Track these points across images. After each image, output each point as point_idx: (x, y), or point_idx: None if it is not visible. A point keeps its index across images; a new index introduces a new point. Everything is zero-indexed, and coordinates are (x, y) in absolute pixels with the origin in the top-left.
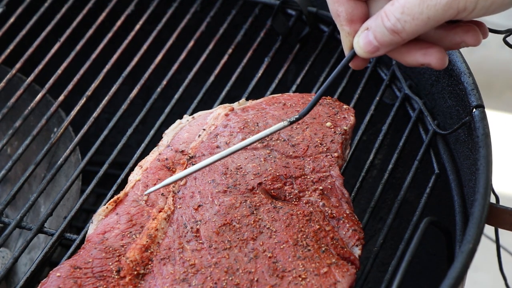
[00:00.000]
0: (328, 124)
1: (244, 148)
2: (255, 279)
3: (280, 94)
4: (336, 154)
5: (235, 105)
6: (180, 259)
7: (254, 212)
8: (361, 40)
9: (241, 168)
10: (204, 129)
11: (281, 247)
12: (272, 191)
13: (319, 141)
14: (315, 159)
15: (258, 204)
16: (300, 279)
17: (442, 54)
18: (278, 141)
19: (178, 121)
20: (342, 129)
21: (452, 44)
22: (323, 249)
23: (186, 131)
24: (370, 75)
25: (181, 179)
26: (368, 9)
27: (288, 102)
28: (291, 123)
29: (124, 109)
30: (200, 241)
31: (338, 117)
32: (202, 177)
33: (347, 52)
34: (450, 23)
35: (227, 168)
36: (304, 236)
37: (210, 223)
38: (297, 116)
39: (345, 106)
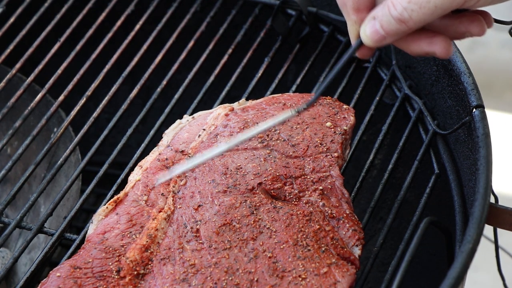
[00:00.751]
0: (328, 124)
1: (254, 136)
2: (255, 279)
3: (280, 94)
4: (336, 154)
5: (235, 105)
6: (180, 259)
7: (254, 212)
8: (368, 29)
9: (241, 168)
10: (204, 129)
11: (281, 247)
12: (272, 191)
13: (319, 141)
14: (315, 159)
15: (258, 204)
16: (300, 279)
17: (447, 43)
18: (278, 141)
19: (178, 121)
20: (342, 129)
21: (457, 34)
22: (323, 249)
23: (186, 131)
24: (370, 75)
25: (191, 170)
26: None
27: (288, 102)
28: (299, 112)
29: (124, 109)
30: (200, 241)
31: (338, 117)
32: (202, 177)
33: (353, 41)
34: (456, 12)
35: (227, 168)
36: (304, 236)
37: (210, 223)
38: (304, 106)
39: (345, 106)
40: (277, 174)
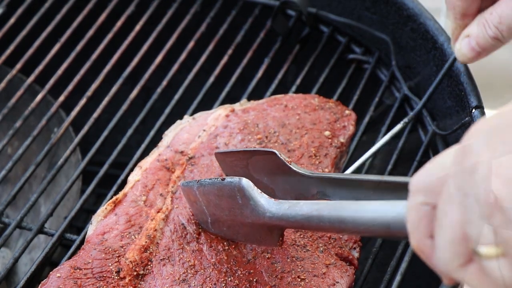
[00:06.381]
0: (327, 133)
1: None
2: (254, 280)
3: (282, 95)
4: (327, 170)
5: (236, 106)
6: (180, 260)
7: None
8: (464, 47)
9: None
10: (204, 130)
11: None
12: None
13: (314, 152)
14: (306, 167)
15: None
16: (299, 279)
17: None
18: (276, 144)
19: (178, 121)
20: (339, 141)
21: None
22: (321, 249)
23: (186, 131)
24: (371, 76)
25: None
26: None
27: (290, 103)
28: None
29: (125, 110)
30: (200, 242)
31: (338, 126)
32: (201, 175)
33: (453, 42)
34: None
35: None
36: (302, 236)
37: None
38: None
39: (346, 112)
40: None
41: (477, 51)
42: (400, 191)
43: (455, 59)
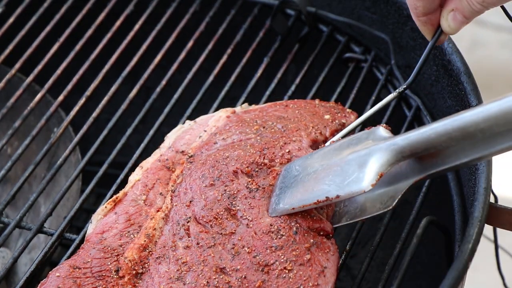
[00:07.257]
0: (327, 116)
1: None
2: (243, 276)
3: (284, 101)
4: (327, 134)
5: (238, 109)
6: (173, 257)
7: (233, 202)
8: (452, 22)
9: (228, 157)
10: (205, 131)
11: (256, 238)
12: (247, 168)
13: (311, 126)
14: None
15: (235, 192)
16: (287, 271)
17: None
18: (273, 130)
19: (180, 125)
20: (340, 121)
21: None
22: (295, 229)
23: (187, 133)
24: (370, 76)
25: None
26: None
27: (291, 104)
28: (400, 93)
29: (124, 109)
30: (189, 238)
31: (339, 115)
32: (196, 172)
33: (428, 36)
34: None
35: (217, 161)
36: (274, 219)
37: (198, 219)
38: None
39: (348, 110)
40: (255, 151)
41: (464, 22)
42: None
43: (437, 39)
